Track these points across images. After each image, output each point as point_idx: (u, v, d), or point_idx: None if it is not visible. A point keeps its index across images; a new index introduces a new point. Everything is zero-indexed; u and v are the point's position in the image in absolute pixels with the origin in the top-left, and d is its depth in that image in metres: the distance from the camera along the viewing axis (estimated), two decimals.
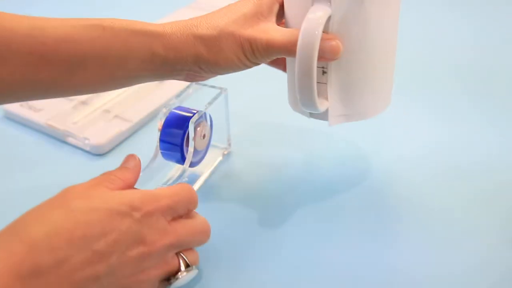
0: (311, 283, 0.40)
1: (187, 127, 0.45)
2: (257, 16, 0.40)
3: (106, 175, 0.38)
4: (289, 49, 0.38)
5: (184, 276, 0.38)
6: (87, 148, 0.55)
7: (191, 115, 0.46)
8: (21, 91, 0.39)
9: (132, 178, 0.39)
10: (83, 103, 0.60)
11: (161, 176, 0.47)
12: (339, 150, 0.54)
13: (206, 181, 0.51)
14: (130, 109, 0.59)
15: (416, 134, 0.56)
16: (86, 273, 0.32)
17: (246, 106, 0.50)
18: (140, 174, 0.45)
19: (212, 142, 0.51)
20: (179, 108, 0.47)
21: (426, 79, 0.65)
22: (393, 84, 0.45)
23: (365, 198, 0.48)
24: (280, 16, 0.42)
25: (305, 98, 0.39)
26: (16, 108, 0.59)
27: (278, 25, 0.41)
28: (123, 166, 0.40)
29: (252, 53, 0.40)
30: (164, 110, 0.46)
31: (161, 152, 0.47)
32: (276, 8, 0.41)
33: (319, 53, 0.37)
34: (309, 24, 0.37)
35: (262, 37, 0.39)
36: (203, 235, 0.40)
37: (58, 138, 0.57)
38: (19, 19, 0.37)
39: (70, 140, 0.56)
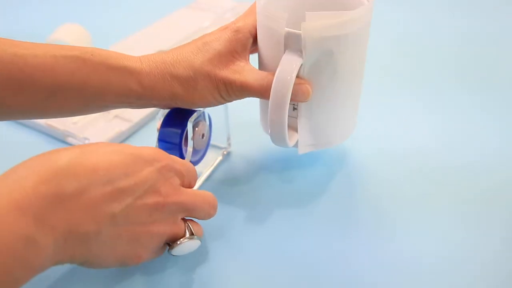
0: (311, 282, 0.40)
1: (186, 126, 0.45)
2: (231, 54, 0.42)
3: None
4: (263, 93, 0.41)
5: (186, 243, 0.39)
6: None
7: (189, 114, 0.46)
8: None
9: None
10: None
11: None
12: (339, 148, 0.53)
13: (206, 181, 0.51)
14: (130, 109, 0.59)
15: (414, 131, 0.56)
16: (104, 208, 0.33)
17: (246, 106, 0.50)
18: None
19: (212, 142, 0.51)
20: (178, 108, 0.47)
21: (423, 76, 0.65)
22: (358, 108, 0.48)
23: (364, 198, 0.48)
24: (254, 48, 0.44)
25: (276, 136, 0.42)
26: None
27: (251, 52, 0.44)
28: None
29: (227, 93, 0.42)
30: (163, 110, 0.46)
31: None
32: (249, 43, 0.43)
33: (291, 95, 0.40)
34: (282, 76, 0.39)
35: (236, 80, 0.41)
36: (211, 207, 0.40)
37: (58, 138, 0.57)
38: (3, 46, 0.38)
39: (70, 140, 0.56)
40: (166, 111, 0.46)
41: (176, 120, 0.46)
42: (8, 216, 0.29)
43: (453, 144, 0.54)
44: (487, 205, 0.47)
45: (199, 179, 0.50)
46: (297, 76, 0.40)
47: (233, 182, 0.51)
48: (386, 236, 0.44)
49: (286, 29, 0.40)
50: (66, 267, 0.41)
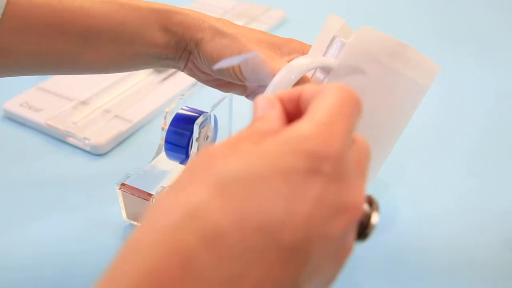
0: None
1: (193, 128, 0.45)
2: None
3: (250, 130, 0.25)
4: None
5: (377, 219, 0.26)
6: (87, 148, 0.55)
7: (197, 115, 0.46)
8: (35, 62, 0.41)
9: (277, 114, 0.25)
10: (83, 103, 0.60)
11: (161, 176, 0.47)
12: None
13: None
14: (130, 109, 0.59)
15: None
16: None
17: (250, 107, 0.49)
18: (140, 173, 0.45)
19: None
20: (186, 108, 0.47)
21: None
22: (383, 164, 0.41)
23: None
24: None
25: None
26: (16, 108, 0.59)
27: None
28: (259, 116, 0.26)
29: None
30: (168, 109, 0.46)
31: (166, 152, 0.47)
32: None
33: None
34: (293, 64, 0.36)
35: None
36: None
37: (58, 138, 0.57)
38: None
39: (70, 140, 0.56)
40: (171, 111, 0.46)
41: (184, 122, 0.46)
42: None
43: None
44: None
45: None
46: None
47: None
48: None
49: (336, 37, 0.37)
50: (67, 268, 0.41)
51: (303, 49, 0.40)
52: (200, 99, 0.49)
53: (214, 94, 0.47)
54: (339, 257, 0.24)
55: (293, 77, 0.35)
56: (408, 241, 0.44)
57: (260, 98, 0.26)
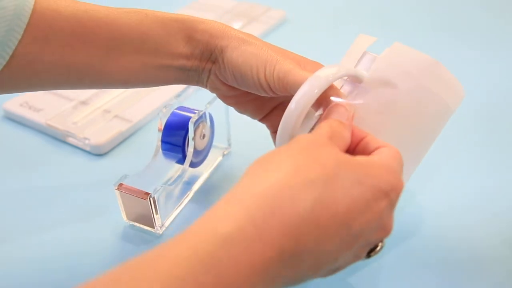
0: (312, 282, 0.40)
1: (187, 127, 0.45)
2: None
3: (331, 128, 0.32)
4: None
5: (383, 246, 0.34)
6: (87, 148, 0.55)
7: (191, 114, 0.46)
8: (57, 74, 0.39)
9: (350, 138, 0.34)
10: (83, 103, 0.60)
11: (161, 176, 0.47)
12: None
13: (206, 181, 0.51)
14: (130, 109, 0.59)
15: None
16: (333, 255, 0.29)
17: None
18: (140, 174, 0.45)
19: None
20: (180, 108, 0.47)
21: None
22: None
23: None
24: None
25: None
26: (16, 108, 0.59)
27: None
28: (334, 118, 0.34)
29: (271, 73, 0.38)
30: (164, 110, 0.46)
31: (163, 152, 0.47)
32: None
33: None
34: (319, 75, 0.34)
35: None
36: None
37: (58, 138, 0.57)
38: (65, 2, 0.38)
39: (70, 140, 0.56)
40: (168, 111, 0.46)
41: (179, 121, 0.46)
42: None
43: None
44: None
45: (199, 179, 0.50)
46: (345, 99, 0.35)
47: (233, 182, 0.50)
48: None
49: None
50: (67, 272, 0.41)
51: None
52: (196, 99, 0.49)
53: (210, 94, 0.48)
54: (356, 258, 0.32)
55: (324, 84, 0.33)
56: (408, 241, 0.44)
57: (341, 106, 0.34)
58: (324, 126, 0.32)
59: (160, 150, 0.47)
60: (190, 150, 0.46)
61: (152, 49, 0.40)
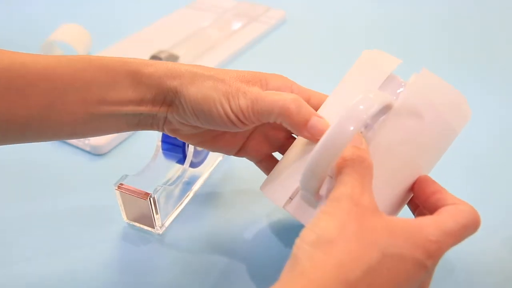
0: None
1: None
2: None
3: (360, 163, 0.32)
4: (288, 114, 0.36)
5: None
6: (87, 148, 0.55)
7: None
8: None
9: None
10: None
11: (161, 176, 0.47)
12: None
13: (206, 181, 0.51)
14: None
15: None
16: None
17: None
18: (140, 174, 0.46)
19: None
20: None
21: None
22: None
23: None
24: None
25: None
26: None
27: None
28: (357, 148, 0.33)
29: (237, 104, 0.37)
30: None
31: (163, 152, 0.47)
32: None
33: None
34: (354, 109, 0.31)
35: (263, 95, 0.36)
36: None
37: None
38: (1, 54, 0.36)
39: (70, 140, 0.56)
40: None
41: None
42: None
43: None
44: None
45: (199, 179, 0.50)
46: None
47: (233, 182, 0.51)
48: None
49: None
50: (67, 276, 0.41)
51: (291, 85, 0.39)
52: None
53: None
54: None
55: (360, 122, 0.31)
56: None
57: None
58: (355, 184, 0.31)
59: (160, 150, 0.47)
60: (190, 150, 0.46)
61: (97, 97, 0.37)
